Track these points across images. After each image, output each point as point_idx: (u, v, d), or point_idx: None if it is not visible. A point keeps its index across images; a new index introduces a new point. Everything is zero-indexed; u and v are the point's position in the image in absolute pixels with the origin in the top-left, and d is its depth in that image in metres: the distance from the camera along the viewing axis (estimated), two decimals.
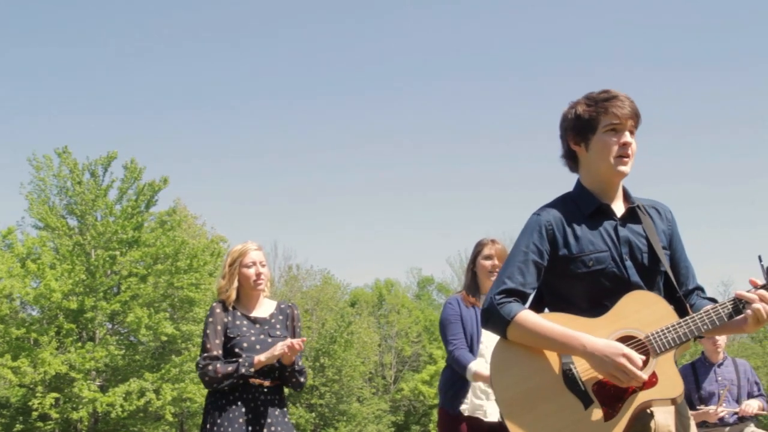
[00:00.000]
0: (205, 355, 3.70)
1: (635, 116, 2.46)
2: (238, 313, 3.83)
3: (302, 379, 3.82)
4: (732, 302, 2.35)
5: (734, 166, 50.72)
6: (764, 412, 5.73)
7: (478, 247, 4.37)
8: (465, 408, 4.11)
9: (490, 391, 3.99)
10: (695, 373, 5.80)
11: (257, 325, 3.82)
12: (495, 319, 2.42)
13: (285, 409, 3.79)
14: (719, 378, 5.72)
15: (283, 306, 3.99)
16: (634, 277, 2.45)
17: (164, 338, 22.06)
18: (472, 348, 4.16)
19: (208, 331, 3.75)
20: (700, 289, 2.61)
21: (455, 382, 4.13)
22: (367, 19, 54.26)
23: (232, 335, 3.74)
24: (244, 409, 3.65)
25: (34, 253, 21.89)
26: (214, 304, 3.85)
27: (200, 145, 51.66)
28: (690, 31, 50.45)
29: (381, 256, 58.48)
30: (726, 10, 50.19)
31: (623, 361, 2.23)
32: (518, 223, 2.54)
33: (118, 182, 22.77)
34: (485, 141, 53.73)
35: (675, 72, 49.75)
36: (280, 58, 51.99)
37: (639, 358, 2.25)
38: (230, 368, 3.63)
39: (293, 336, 3.90)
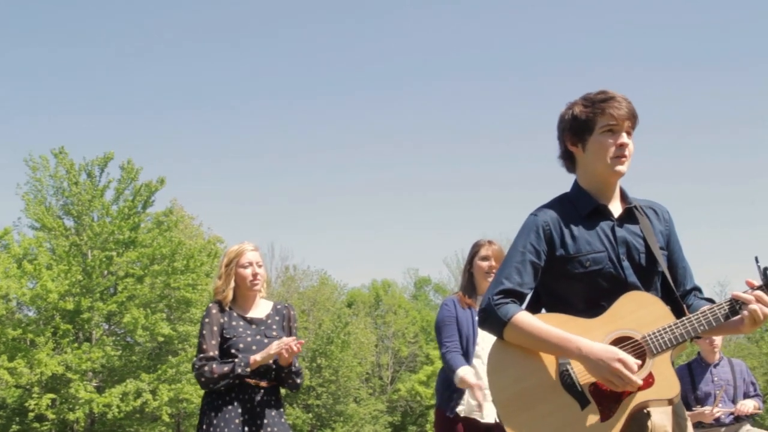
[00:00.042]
0: (202, 355, 3.70)
1: (632, 117, 2.46)
2: (235, 314, 3.82)
3: (299, 380, 3.81)
4: (729, 303, 2.35)
5: (734, 166, 50.83)
6: (760, 412, 5.74)
7: (475, 248, 4.37)
8: (461, 409, 4.11)
9: (487, 391, 3.99)
10: (691, 373, 5.80)
11: (253, 326, 3.81)
12: (492, 320, 2.42)
13: (281, 410, 3.79)
14: (715, 378, 5.73)
15: (279, 306, 3.98)
16: (632, 277, 2.45)
17: (161, 339, 22.02)
18: (468, 350, 4.16)
19: (204, 332, 3.74)
20: (698, 289, 2.60)
21: (452, 383, 4.12)
22: (367, 19, 54.30)
23: (228, 336, 3.73)
24: (240, 410, 3.64)
25: (31, 254, 21.84)
26: (211, 304, 3.84)
27: (196, 146, 51.70)
28: (690, 31, 50.54)
29: (378, 256, 58.59)
30: (726, 10, 50.29)
31: (618, 366, 2.23)
32: (516, 224, 2.54)
33: (115, 183, 22.74)
34: (484, 141, 53.83)
35: (675, 72, 49.87)
36: (279, 57, 52.02)
37: (634, 362, 2.25)
38: (226, 368, 3.62)
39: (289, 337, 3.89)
